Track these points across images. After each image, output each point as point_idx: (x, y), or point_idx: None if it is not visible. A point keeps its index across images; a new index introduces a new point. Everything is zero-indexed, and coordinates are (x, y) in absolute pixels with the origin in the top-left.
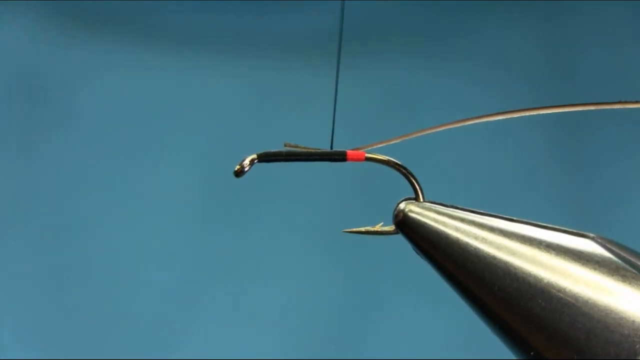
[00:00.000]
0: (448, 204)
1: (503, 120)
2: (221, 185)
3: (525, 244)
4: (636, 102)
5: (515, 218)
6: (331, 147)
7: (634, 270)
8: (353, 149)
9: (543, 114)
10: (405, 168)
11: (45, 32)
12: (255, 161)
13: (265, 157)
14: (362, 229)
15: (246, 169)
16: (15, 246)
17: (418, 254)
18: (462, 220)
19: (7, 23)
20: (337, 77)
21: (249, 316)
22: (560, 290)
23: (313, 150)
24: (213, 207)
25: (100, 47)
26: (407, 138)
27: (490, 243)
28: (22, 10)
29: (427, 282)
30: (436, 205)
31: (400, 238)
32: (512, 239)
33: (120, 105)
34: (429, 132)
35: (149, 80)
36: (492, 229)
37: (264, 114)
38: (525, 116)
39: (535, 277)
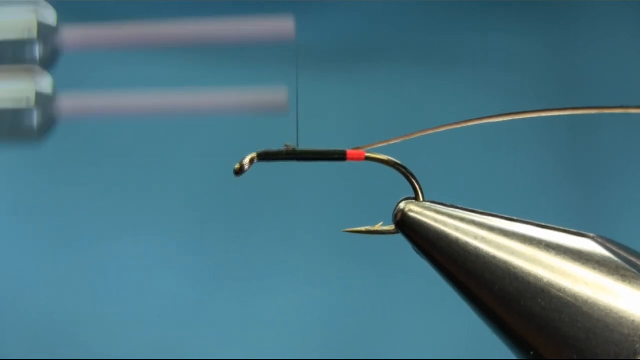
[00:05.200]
0: (448, 204)
1: (503, 122)
2: (224, 190)
3: (525, 243)
4: (637, 107)
5: (515, 218)
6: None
7: (633, 270)
8: (353, 149)
9: (545, 117)
10: (405, 168)
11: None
12: (255, 160)
13: (265, 156)
14: (362, 228)
15: (246, 168)
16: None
17: (418, 253)
18: (462, 219)
19: None
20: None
21: (256, 322)
22: (560, 289)
23: (313, 150)
24: (217, 212)
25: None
26: (407, 138)
27: (490, 243)
28: None
29: (434, 283)
30: (436, 205)
31: (401, 238)
32: (512, 239)
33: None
34: (429, 132)
35: (157, 86)
36: (492, 229)
37: (270, 119)
38: (526, 119)
39: (535, 277)
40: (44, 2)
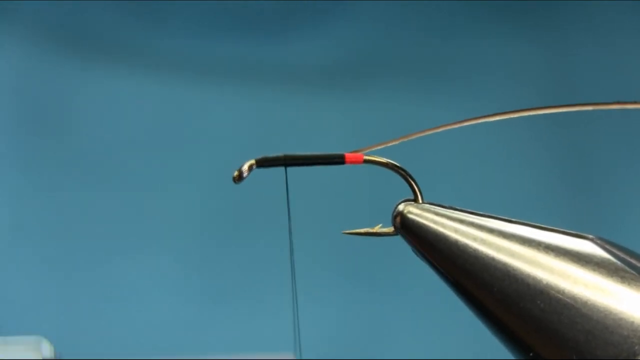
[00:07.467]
0: (447, 205)
1: (501, 124)
2: (220, 203)
3: (524, 245)
4: (634, 102)
5: (514, 219)
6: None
7: (633, 272)
8: (351, 152)
9: (544, 118)
10: (403, 170)
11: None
12: (254, 167)
13: (263, 163)
14: (362, 230)
15: (245, 175)
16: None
17: (417, 255)
18: (461, 221)
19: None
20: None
21: (256, 334)
22: (559, 291)
23: (311, 154)
24: (212, 226)
25: (107, 75)
26: (405, 140)
27: (489, 244)
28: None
29: (434, 284)
30: (435, 207)
31: (400, 240)
32: (511, 241)
33: (128, 133)
34: (428, 133)
35: (156, 108)
36: (491, 230)
37: (270, 140)
38: (524, 120)
39: (535, 279)
40: (43, 339)
